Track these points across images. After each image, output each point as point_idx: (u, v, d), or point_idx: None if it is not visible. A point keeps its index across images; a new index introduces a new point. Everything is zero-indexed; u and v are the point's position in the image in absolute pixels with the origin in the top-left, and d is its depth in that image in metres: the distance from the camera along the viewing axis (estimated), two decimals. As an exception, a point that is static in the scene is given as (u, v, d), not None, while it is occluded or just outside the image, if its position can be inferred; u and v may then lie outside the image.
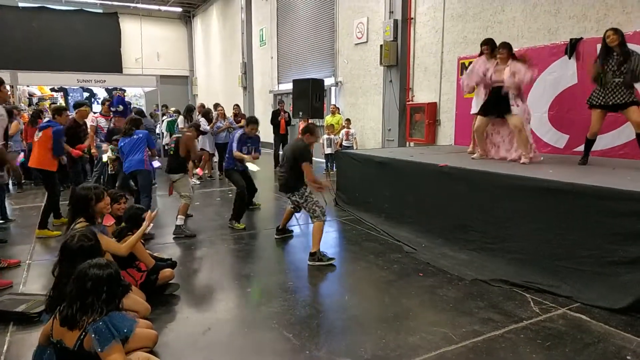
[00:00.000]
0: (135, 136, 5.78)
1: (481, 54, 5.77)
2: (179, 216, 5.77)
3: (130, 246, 3.49)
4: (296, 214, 5.56)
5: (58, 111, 6.20)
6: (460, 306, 3.61)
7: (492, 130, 5.89)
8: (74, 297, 2.17)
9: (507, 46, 5.44)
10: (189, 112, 10.18)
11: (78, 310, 2.14)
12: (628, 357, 2.83)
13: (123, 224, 4.00)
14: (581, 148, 5.59)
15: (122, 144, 5.84)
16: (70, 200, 3.46)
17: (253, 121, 6.46)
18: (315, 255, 4.63)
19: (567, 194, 3.91)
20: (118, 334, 2.14)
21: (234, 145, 6.20)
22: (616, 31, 4.80)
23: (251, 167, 6.45)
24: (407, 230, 5.57)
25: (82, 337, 2.12)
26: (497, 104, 5.50)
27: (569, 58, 6.06)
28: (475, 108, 6.07)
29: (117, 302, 2.29)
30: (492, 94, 5.60)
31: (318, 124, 11.10)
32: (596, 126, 5.10)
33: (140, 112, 9.07)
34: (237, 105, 11.18)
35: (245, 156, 6.25)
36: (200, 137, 8.85)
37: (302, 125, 10.63)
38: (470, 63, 7.55)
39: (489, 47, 5.64)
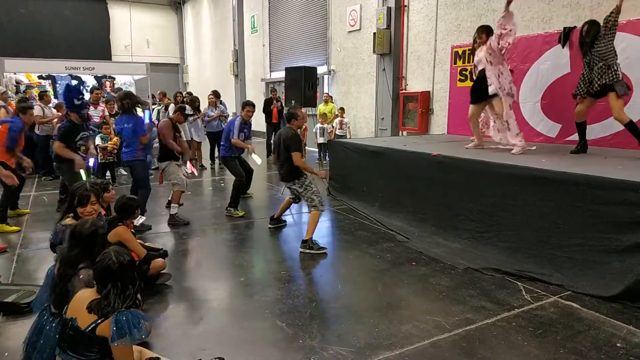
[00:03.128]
0: (127, 124, 5.50)
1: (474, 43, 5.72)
2: (172, 205, 5.71)
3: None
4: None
5: (23, 110, 5.58)
6: (453, 295, 3.62)
7: (491, 114, 5.90)
8: (120, 290, 2.13)
9: (484, 29, 5.46)
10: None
11: (124, 301, 2.12)
12: (618, 344, 2.86)
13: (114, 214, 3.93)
14: (574, 137, 5.61)
15: (118, 126, 5.68)
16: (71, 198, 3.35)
17: (250, 104, 6.42)
18: (307, 243, 4.64)
19: (559, 183, 3.93)
20: (136, 334, 2.11)
21: (235, 132, 6.11)
22: (589, 24, 4.84)
23: (255, 159, 6.50)
24: (400, 219, 5.57)
25: (99, 321, 2.10)
26: (481, 87, 5.51)
27: (563, 47, 6.03)
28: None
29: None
30: (477, 79, 5.60)
31: (310, 112, 11.04)
32: (580, 107, 5.13)
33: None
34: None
35: (248, 145, 6.27)
36: (187, 126, 8.70)
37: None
38: (463, 52, 7.56)
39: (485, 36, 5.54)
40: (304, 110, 5.02)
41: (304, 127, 9.03)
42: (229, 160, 6.26)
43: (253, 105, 6.50)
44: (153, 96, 12.84)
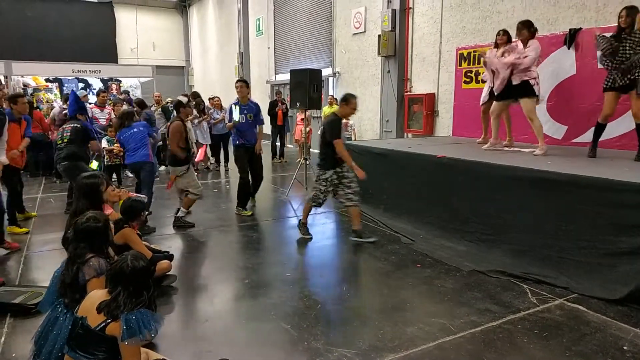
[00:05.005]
0: (135, 129, 5.65)
1: (496, 44, 5.72)
2: (181, 209, 5.66)
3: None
4: (292, 204, 5.54)
5: (13, 99, 5.33)
6: (458, 297, 3.61)
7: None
8: (132, 294, 2.15)
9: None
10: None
11: (134, 306, 2.13)
12: (625, 347, 2.84)
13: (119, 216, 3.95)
14: (580, 139, 5.58)
15: (121, 136, 5.74)
16: (79, 191, 3.33)
17: (242, 80, 6.25)
18: (305, 226, 5.15)
19: (565, 185, 3.91)
20: (146, 332, 2.13)
21: (235, 115, 5.98)
22: (629, 10, 4.61)
23: None
24: (405, 221, 5.56)
25: (108, 321, 2.12)
26: (515, 87, 5.35)
27: (568, 48, 6.02)
28: (485, 97, 6.04)
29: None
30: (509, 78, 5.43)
31: (315, 115, 11.04)
32: (607, 109, 4.89)
33: (141, 103, 9.03)
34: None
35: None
36: (192, 129, 8.70)
37: (299, 115, 10.56)
38: (468, 54, 7.55)
39: (505, 37, 5.63)
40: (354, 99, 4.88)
41: (305, 128, 9.01)
42: (238, 151, 6.18)
43: (244, 81, 6.28)
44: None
